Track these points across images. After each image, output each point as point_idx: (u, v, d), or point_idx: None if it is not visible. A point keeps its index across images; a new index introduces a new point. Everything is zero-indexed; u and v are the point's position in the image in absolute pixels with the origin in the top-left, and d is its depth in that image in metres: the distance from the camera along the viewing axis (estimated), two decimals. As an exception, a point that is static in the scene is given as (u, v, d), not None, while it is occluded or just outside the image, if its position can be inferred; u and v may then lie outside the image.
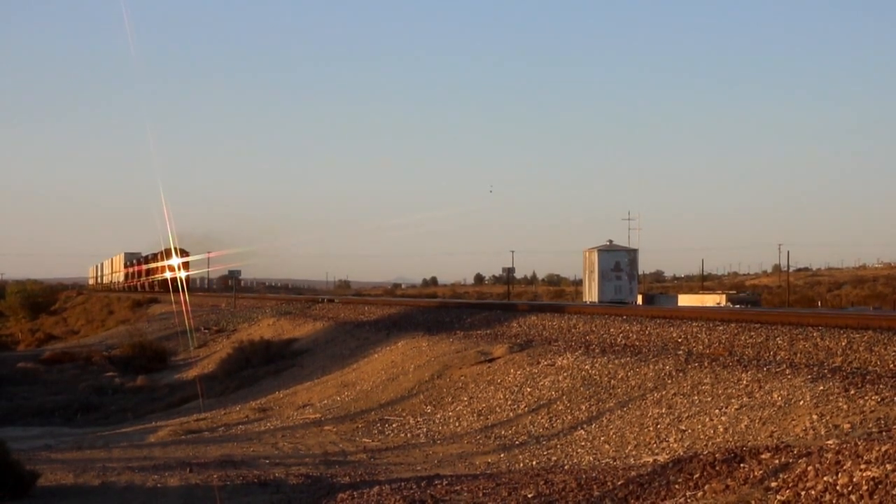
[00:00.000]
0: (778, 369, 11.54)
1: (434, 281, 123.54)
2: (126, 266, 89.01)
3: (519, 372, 15.07)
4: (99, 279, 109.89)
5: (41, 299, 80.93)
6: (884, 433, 8.18)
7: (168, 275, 60.20)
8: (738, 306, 34.95)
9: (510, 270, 72.96)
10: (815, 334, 14.45)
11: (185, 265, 67.43)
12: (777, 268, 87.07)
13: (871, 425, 8.60)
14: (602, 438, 11.06)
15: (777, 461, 6.70)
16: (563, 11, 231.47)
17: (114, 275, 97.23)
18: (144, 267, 79.51)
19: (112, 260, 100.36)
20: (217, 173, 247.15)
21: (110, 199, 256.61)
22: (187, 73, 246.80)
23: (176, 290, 49.35)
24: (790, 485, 6.07)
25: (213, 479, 9.75)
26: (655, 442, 10.37)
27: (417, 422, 14.12)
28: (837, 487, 5.78)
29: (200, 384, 22.43)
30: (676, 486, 6.79)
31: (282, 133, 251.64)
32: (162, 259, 68.86)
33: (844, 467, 6.07)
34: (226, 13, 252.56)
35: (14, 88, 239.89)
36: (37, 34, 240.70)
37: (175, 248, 63.10)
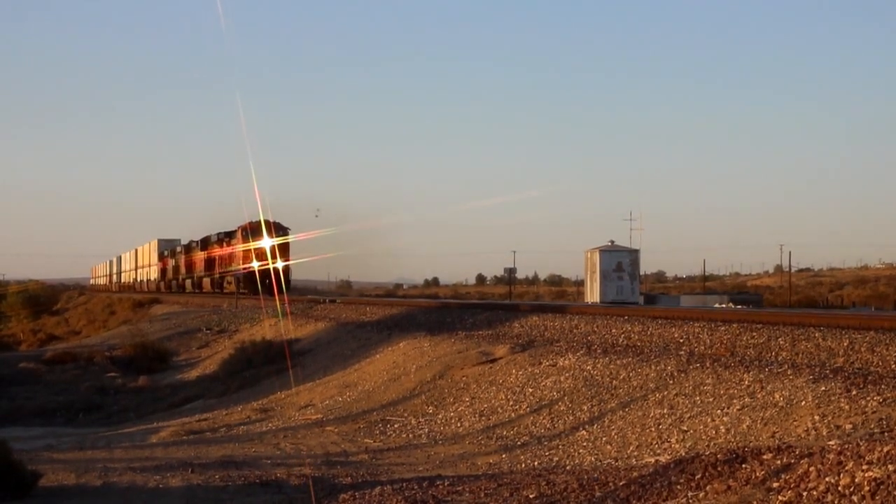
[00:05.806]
0: (780, 370, 11.53)
1: (435, 281, 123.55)
2: (162, 258, 66.96)
3: (521, 372, 15.06)
4: (115, 277, 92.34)
5: (43, 300, 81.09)
6: (886, 434, 8.18)
7: (255, 265, 40.79)
8: (739, 307, 34.95)
9: (512, 271, 73.06)
10: (816, 335, 14.42)
11: (283, 249, 42.88)
12: (779, 268, 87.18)
13: (872, 426, 8.60)
14: (604, 439, 11.06)
15: (779, 462, 6.70)
16: (564, 12, 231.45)
17: (141, 270, 75.65)
18: (204, 255, 53.95)
19: (137, 251, 77.75)
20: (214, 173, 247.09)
21: (110, 198, 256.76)
22: (189, 73, 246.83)
23: (270, 291, 34.30)
24: (792, 485, 6.07)
25: (215, 479, 9.75)
26: (657, 442, 10.36)
27: (419, 422, 14.12)
28: (839, 488, 5.78)
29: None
30: (678, 487, 6.80)
31: (283, 134, 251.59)
32: (245, 240, 44.96)
33: (846, 468, 6.07)
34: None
35: (12, 89, 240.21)
36: (25, 34, 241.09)
37: (268, 223, 41.13)
